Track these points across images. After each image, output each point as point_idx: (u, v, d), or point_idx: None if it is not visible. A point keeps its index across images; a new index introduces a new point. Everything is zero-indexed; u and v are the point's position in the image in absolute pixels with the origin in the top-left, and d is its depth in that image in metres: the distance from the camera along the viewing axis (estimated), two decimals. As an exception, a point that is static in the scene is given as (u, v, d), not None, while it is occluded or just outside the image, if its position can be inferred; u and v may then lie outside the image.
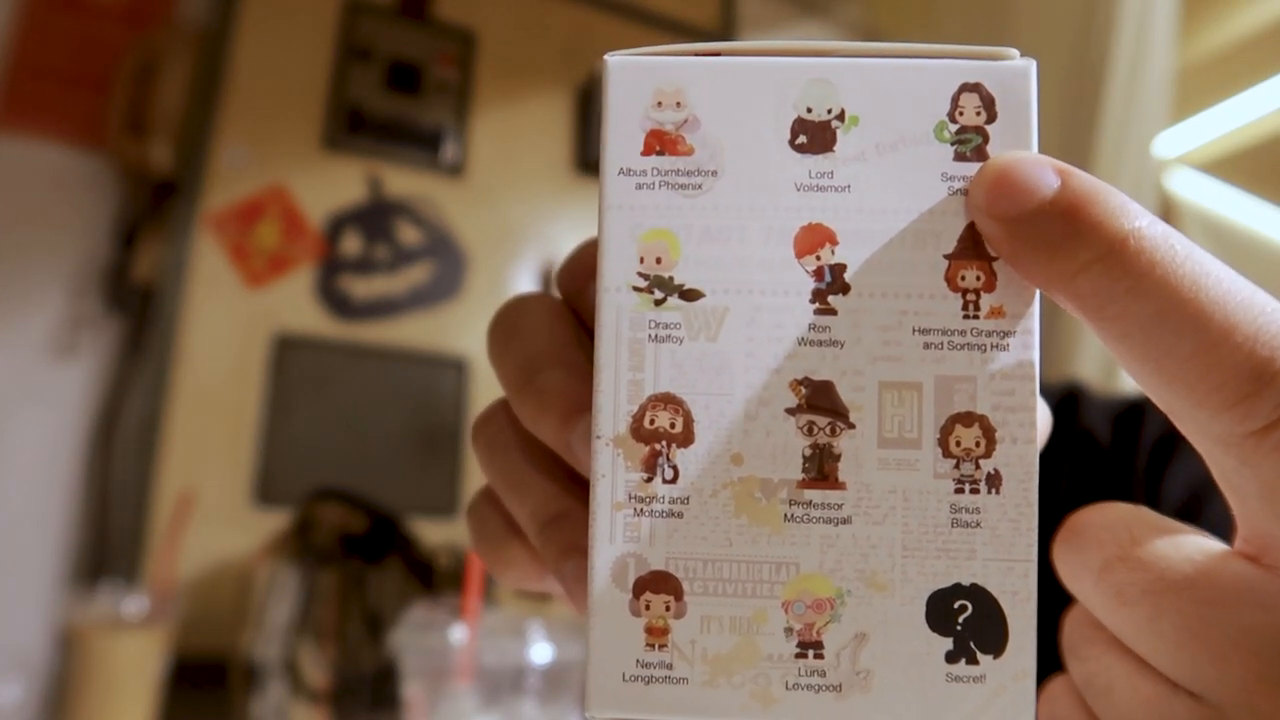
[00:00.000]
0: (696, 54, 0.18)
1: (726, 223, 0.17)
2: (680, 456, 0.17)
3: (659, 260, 0.17)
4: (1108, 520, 0.18)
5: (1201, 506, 0.37)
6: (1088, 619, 0.19)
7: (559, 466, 0.21)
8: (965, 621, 0.16)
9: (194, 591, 0.99)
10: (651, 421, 0.17)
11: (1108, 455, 0.42)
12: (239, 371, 1.11)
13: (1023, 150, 0.17)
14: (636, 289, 0.17)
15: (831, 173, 0.17)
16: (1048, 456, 0.18)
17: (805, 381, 0.17)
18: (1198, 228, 1.44)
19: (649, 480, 0.17)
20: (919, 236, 0.17)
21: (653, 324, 0.17)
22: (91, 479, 1.07)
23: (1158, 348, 0.15)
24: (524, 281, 1.29)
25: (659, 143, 0.18)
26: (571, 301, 0.22)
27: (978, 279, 0.17)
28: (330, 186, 1.20)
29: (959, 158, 0.17)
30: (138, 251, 1.09)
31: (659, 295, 0.17)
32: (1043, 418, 0.18)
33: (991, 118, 0.17)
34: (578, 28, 1.39)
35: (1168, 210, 1.34)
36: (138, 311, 1.09)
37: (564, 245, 1.28)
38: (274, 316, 1.14)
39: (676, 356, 0.17)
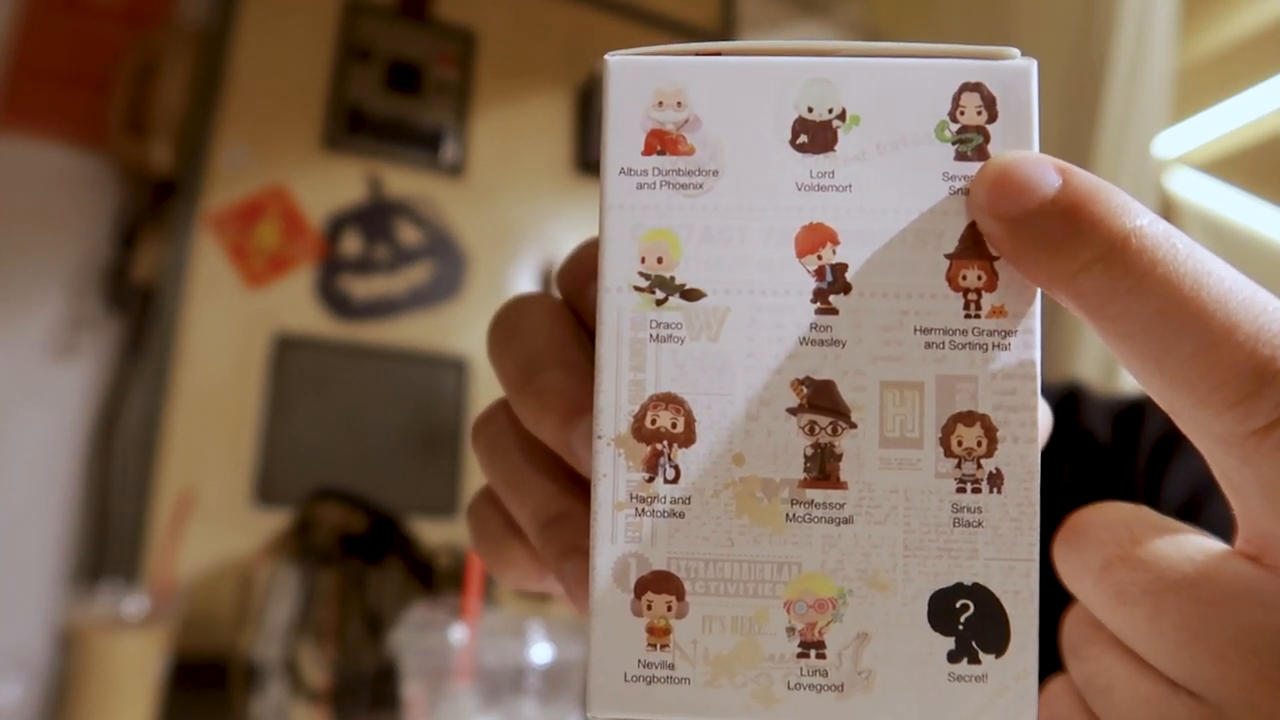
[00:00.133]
0: (697, 54, 0.18)
1: (727, 222, 0.17)
2: (682, 456, 0.17)
3: (660, 260, 0.17)
4: (1108, 520, 0.18)
5: (1201, 506, 0.37)
6: (1088, 618, 0.19)
7: (559, 467, 0.21)
8: (967, 621, 0.16)
9: (194, 591, 0.99)
10: (653, 421, 0.17)
11: (1108, 455, 0.42)
12: (239, 371, 1.11)
13: (1024, 150, 0.17)
14: (637, 289, 0.17)
15: (832, 172, 0.17)
16: (1048, 456, 0.18)
17: (806, 381, 0.17)
18: (1198, 228, 1.44)
19: (650, 480, 0.17)
20: (920, 236, 0.17)
21: (654, 324, 0.17)
22: (91, 479, 1.07)
23: (1159, 347, 0.15)
24: (524, 281, 1.29)
25: (660, 142, 0.18)
26: (572, 301, 0.22)
27: (979, 278, 0.17)
28: (330, 186, 1.20)
29: (960, 157, 0.17)
30: (138, 251, 1.09)
31: (660, 295, 0.17)
32: (1043, 417, 0.18)
33: (992, 117, 0.17)
34: (578, 28, 1.39)
35: (1168, 210, 1.35)
36: (138, 311, 1.09)
37: (564, 245, 1.28)
38: (274, 316, 1.14)
39: (678, 356, 0.17)
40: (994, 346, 0.17)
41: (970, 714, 0.16)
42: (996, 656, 0.16)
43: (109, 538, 1.03)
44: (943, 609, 0.17)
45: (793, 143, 0.17)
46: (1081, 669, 0.19)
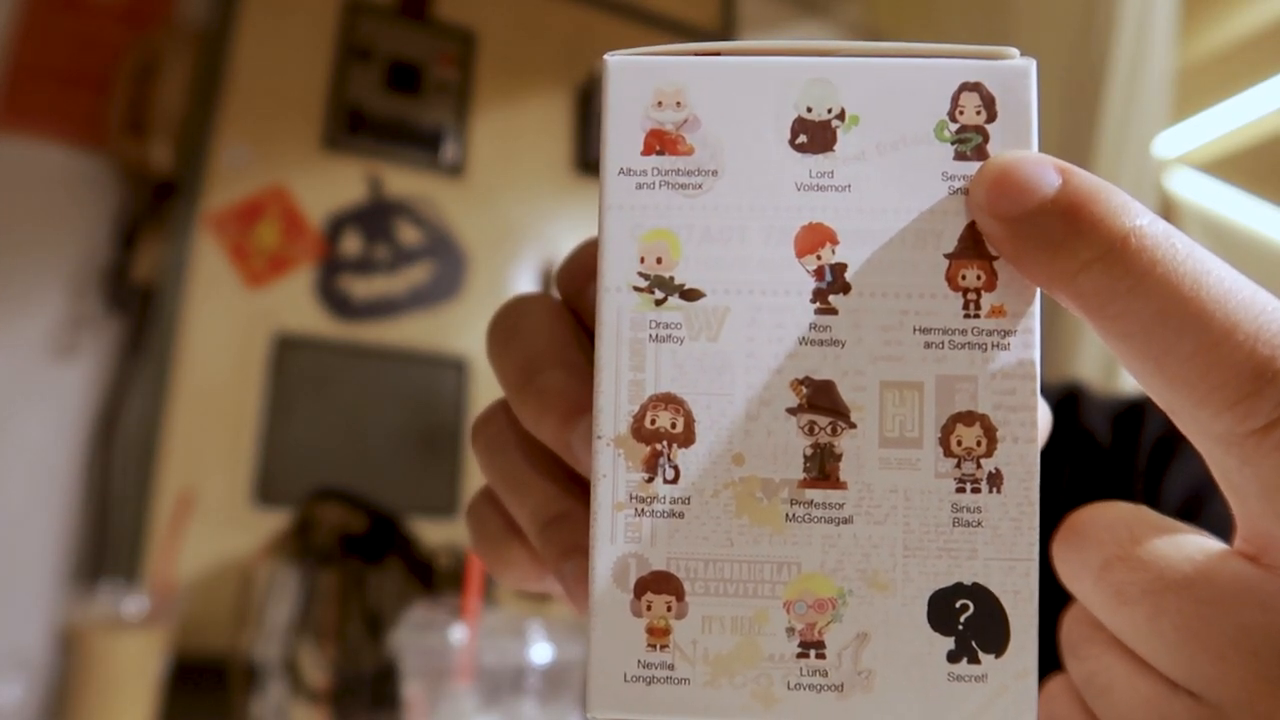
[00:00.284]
0: (696, 54, 0.18)
1: (727, 222, 0.17)
2: (681, 456, 0.17)
3: (659, 260, 0.17)
4: (1108, 519, 0.18)
5: (1201, 506, 0.37)
6: (1087, 618, 0.19)
7: (559, 467, 0.21)
8: (967, 621, 0.16)
9: (194, 591, 0.99)
10: (652, 421, 0.17)
11: (1108, 455, 0.42)
12: (239, 371, 1.11)
13: (1023, 149, 0.17)
14: (637, 289, 0.17)
15: (832, 172, 0.17)
16: (1048, 456, 0.18)
17: (806, 381, 0.17)
18: (1198, 228, 1.44)
19: (650, 480, 0.17)
20: (920, 236, 0.17)
21: (653, 324, 0.17)
22: (91, 479, 1.07)
23: (1159, 346, 0.15)
24: (524, 281, 1.29)
25: (659, 142, 0.18)
26: (571, 302, 0.22)
27: (978, 278, 0.17)
28: (330, 186, 1.20)
29: (959, 157, 0.17)
30: (138, 251, 1.09)
31: (660, 295, 0.17)
32: (1043, 417, 0.18)
33: (992, 117, 0.17)
34: (578, 28, 1.39)
35: (1168, 210, 1.35)
36: (138, 311, 1.09)
37: (564, 245, 1.28)
38: (274, 316, 1.14)
39: (677, 356, 0.17)
40: (993, 346, 0.17)
41: (970, 714, 0.16)
42: (996, 656, 0.16)
43: (109, 538, 1.03)
44: (942, 609, 0.17)
45: (792, 143, 0.17)
46: (1081, 669, 0.19)
